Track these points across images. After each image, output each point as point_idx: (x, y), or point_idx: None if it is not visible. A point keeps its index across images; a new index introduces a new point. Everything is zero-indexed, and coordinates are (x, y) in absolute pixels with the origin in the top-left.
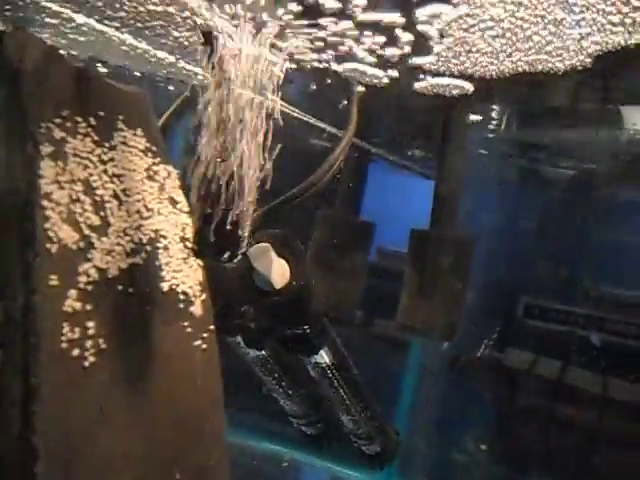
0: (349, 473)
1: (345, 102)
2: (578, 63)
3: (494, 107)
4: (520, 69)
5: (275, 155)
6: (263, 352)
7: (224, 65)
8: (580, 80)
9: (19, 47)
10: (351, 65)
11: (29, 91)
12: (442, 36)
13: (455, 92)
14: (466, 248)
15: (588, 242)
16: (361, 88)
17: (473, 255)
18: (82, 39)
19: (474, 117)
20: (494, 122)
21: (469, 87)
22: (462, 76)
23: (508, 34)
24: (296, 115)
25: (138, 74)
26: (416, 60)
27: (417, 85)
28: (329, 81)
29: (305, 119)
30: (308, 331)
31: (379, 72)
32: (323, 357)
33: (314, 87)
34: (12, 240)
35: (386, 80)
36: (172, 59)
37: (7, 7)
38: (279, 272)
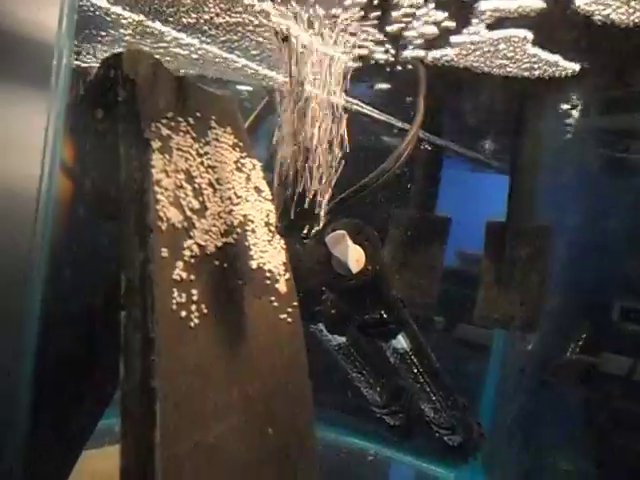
0: (434, 469)
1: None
2: None
3: (575, 92)
4: None
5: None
6: (344, 339)
7: (298, 64)
8: None
9: (134, 62)
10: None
11: (142, 97)
12: None
13: (558, 73)
14: (543, 238)
15: None
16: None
17: (550, 245)
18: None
19: (555, 103)
20: (576, 107)
21: (575, 67)
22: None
23: None
24: (367, 112)
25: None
26: None
27: (515, 69)
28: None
29: (376, 115)
30: (385, 316)
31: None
32: (401, 342)
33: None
34: (131, 220)
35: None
36: (254, 66)
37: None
38: (355, 257)
